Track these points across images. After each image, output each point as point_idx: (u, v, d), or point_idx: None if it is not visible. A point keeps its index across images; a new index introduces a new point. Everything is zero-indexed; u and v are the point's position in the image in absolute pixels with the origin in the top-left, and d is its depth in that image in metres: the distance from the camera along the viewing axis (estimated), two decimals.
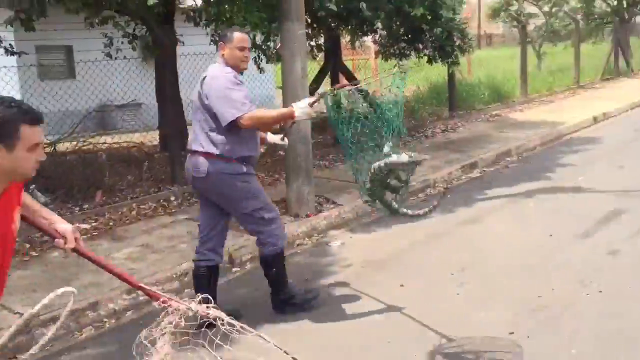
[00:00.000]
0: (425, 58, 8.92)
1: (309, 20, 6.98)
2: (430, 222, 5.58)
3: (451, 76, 10.84)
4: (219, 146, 3.58)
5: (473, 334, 3.36)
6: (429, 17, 7.55)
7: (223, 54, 3.68)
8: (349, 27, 7.95)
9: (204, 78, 3.64)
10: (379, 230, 5.56)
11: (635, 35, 20.42)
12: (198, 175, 3.63)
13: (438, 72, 12.16)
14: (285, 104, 5.73)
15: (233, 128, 3.52)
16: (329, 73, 8.65)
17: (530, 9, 17.84)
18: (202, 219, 3.82)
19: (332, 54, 8.45)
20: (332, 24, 7.72)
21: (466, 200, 6.28)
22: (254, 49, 7.00)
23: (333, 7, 6.53)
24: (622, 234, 4.71)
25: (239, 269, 4.83)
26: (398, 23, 7.99)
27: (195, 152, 3.64)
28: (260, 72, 8.00)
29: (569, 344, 3.17)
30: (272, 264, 3.82)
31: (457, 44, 8.52)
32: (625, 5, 21.26)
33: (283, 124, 4.23)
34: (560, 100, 13.30)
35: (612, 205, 5.48)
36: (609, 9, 21.47)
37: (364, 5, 6.88)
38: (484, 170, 7.73)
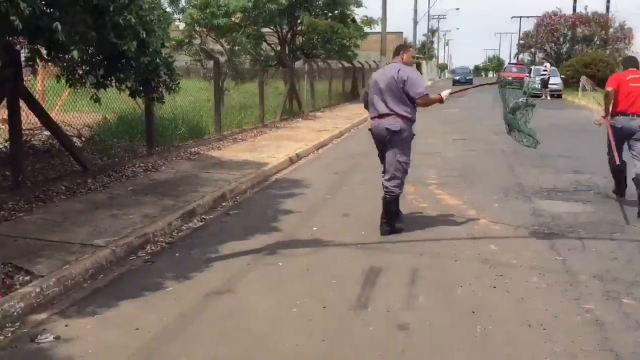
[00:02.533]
0: (128, 91, 7.58)
1: None
2: (173, 295, 4.48)
3: (149, 108, 9.69)
4: (408, 112, 5.75)
5: None
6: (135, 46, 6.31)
7: (402, 58, 5.98)
8: (35, 48, 6.15)
9: (398, 70, 5.75)
10: (103, 310, 4.19)
11: (301, 79, 22.04)
12: (393, 129, 5.73)
13: (127, 101, 10.83)
14: None
15: (412, 102, 5.72)
16: (7, 99, 6.72)
17: (214, 45, 17.79)
18: (382, 160, 6.07)
19: (12, 76, 6.56)
20: (16, 42, 5.95)
21: (203, 261, 5.27)
22: None
23: (18, 23, 4.77)
24: (397, 301, 4.29)
25: None
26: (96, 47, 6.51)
27: (390, 115, 5.74)
28: None
29: None
30: (391, 202, 5.95)
31: (162, 79, 7.45)
32: (287, 51, 23.02)
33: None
34: (252, 138, 13.24)
35: (364, 263, 5.11)
36: (273, 53, 22.96)
37: (59, 26, 5.19)
38: (204, 219, 6.83)
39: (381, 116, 5.83)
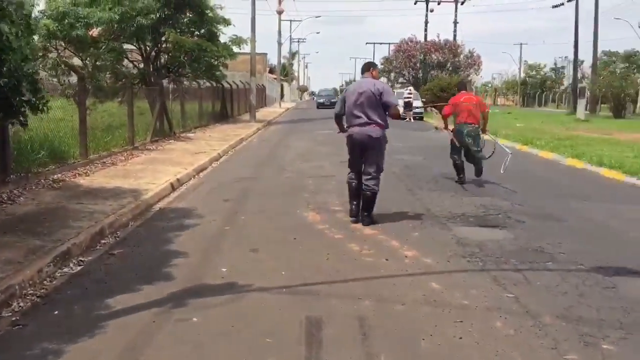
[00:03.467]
0: None
1: None
2: None
3: (3, 131, 8.17)
4: (383, 120, 6.89)
5: None
6: None
7: (373, 74, 7.21)
8: None
9: (374, 84, 6.92)
10: None
11: (166, 99, 20.69)
12: (374, 136, 6.84)
13: None
14: None
15: (386, 111, 6.91)
16: None
17: (72, 60, 16.06)
18: (356, 162, 7.12)
19: None
20: None
21: (91, 320, 4.16)
22: None
23: None
24: None
25: None
26: None
27: (370, 124, 6.81)
28: None
29: None
30: (374, 196, 7.05)
31: (26, 98, 6.21)
32: (152, 69, 21.60)
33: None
34: (123, 162, 11.89)
35: (298, 312, 4.28)
36: (136, 71, 21.43)
37: None
38: (82, 261, 5.64)
39: (362, 125, 6.86)
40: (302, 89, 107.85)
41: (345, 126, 7.25)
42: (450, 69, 41.73)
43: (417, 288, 4.78)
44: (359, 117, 6.85)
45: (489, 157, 10.15)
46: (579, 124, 28.67)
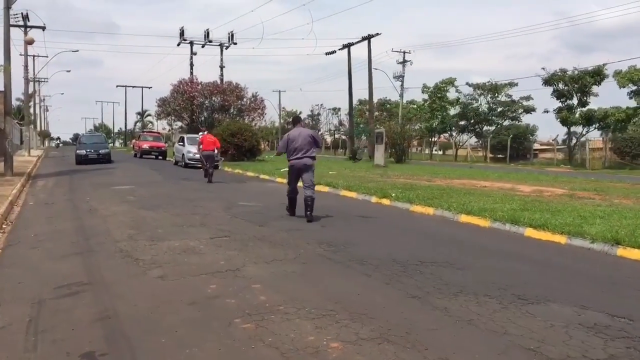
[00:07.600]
0: None
1: None
2: None
3: None
4: (314, 154, 10.93)
5: None
6: None
7: (302, 124, 11.44)
8: None
9: (308, 132, 11.15)
10: None
11: None
12: (308, 164, 10.73)
13: None
14: None
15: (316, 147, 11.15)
16: None
17: None
18: (294, 181, 11.02)
19: None
20: None
21: None
22: None
23: None
24: None
25: None
26: None
27: (308, 157, 10.72)
28: None
29: None
30: (313, 201, 10.61)
31: None
32: None
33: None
34: None
35: None
36: None
37: None
38: None
39: (301, 157, 10.74)
40: (44, 135, 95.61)
41: (288, 158, 11.01)
42: (235, 112, 38.61)
43: None
44: (300, 152, 10.74)
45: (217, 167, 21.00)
46: (386, 170, 27.53)
